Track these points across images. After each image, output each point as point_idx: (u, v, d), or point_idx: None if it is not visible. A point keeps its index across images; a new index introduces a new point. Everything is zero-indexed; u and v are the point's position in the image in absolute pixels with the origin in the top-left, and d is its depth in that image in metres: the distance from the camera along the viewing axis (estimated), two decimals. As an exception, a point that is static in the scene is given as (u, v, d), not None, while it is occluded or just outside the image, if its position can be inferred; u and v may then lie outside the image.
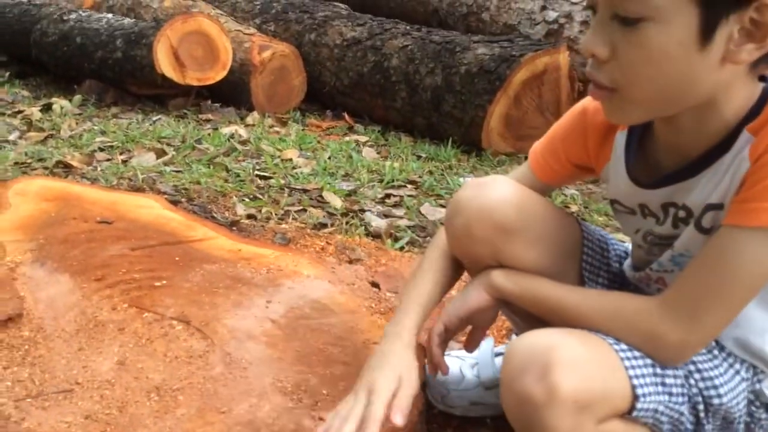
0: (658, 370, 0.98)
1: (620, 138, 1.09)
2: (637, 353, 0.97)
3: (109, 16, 4.04)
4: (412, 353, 1.12)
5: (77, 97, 3.61)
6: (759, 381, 1.07)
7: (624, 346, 0.97)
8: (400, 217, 2.30)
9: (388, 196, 2.52)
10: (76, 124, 3.22)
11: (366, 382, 1.07)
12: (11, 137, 2.97)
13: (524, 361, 0.92)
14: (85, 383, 1.23)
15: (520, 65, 3.08)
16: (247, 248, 1.72)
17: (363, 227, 2.11)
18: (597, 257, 1.23)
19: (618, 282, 1.23)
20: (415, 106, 3.42)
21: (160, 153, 2.74)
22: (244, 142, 3.02)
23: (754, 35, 0.84)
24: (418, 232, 2.19)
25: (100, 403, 1.19)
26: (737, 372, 1.05)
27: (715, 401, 1.02)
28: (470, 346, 1.26)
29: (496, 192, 1.14)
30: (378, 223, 2.18)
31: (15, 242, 1.69)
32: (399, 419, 1.03)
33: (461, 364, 1.41)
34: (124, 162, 2.64)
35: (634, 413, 0.95)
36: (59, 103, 3.51)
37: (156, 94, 3.68)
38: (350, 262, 1.76)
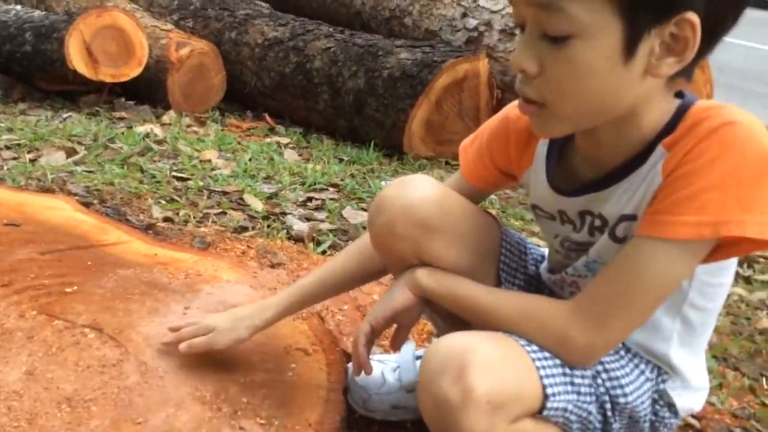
0: (567, 371, 1.00)
1: (542, 146, 1.12)
2: (547, 354, 0.99)
3: (18, 7, 3.86)
4: (251, 327, 1.26)
5: (-18, 92, 3.43)
6: (663, 381, 1.11)
7: (536, 348, 0.99)
8: (322, 221, 2.29)
9: (309, 199, 2.50)
10: (-20, 120, 3.06)
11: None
12: None
13: (441, 363, 0.93)
14: (-10, 395, 1.17)
15: (441, 71, 3.12)
16: (163, 252, 1.68)
17: (285, 231, 2.08)
18: (515, 259, 1.25)
19: (534, 285, 1.26)
20: (338, 109, 3.41)
21: (71, 152, 2.63)
22: (160, 142, 2.94)
23: (674, 49, 0.87)
24: (340, 235, 2.19)
25: (7, 415, 1.13)
26: (642, 372, 1.09)
27: (621, 400, 1.05)
28: (395, 345, 1.26)
29: (419, 190, 1.15)
30: (300, 226, 2.16)
31: None
32: (183, 346, 1.25)
33: (383, 368, 1.40)
34: (33, 161, 2.52)
35: (545, 412, 0.97)
36: (-38, 97, 3.32)
37: (67, 90, 3.53)
38: (272, 266, 1.74)
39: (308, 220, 2.27)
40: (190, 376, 1.25)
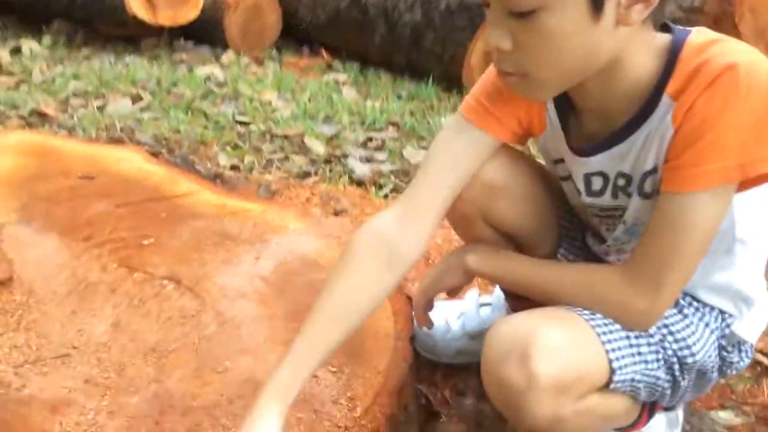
0: (633, 341, 1.01)
1: (551, 112, 1.10)
2: (612, 326, 1.00)
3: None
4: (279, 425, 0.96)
5: (46, 39, 3.51)
6: (728, 325, 1.11)
7: (599, 320, 1.00)
8: (383, 162, 2.31)
9: (369, 139, 2.52)
10: (47, 67, 3.14)
11: None
12: (-20, 83, 2.90)
13: (505, 346, 0.95)
14: (81, 347, 1.26)
15: (500, 0, 3.04)
16: (232, 203, 1.73)
17: (347, 175, 2.11)
18: (575, 221, 1.25)
19: (591, 253, 1.26)
20: (395, 43, 3.38)
21: (136, 98, 2.70)
22: (220, 84, 2.98)
23: None
24: (401, 177, 2.21)
25: (98, 366, 1.21)
26: (707, 325, 1.09)
27: (689, 360, 1.06)
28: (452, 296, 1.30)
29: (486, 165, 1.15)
30: (361, 169, 2.19)
31: (-3, 202, 1.68)
32: None
33: (447, 315, 1.45)
34: (100, 109, 2.60)
35: (612, 385, 0.99)
36: (28, 45, 3.41)
37: (127, 34, 3.58)
38: (336, 213, 1.78)
39: (369, 161, 2.30)
40: (265, 326, 1.31)
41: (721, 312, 1.11)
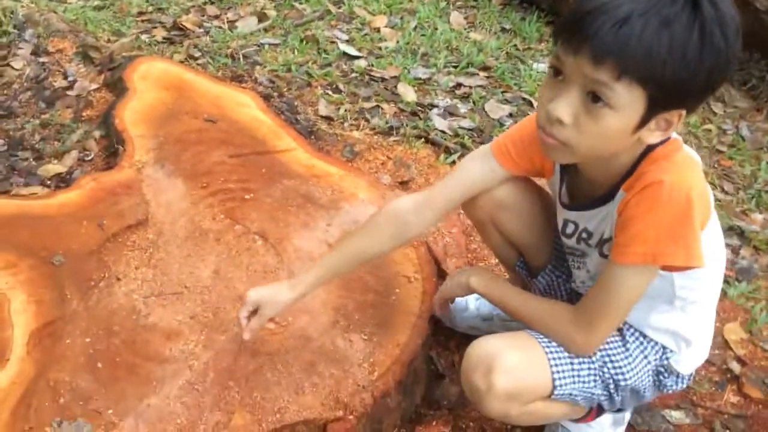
0: (575, 365, 1.37)
1: (557, 167, 1.43)
2: (561, 352, 1.37)
3: None
4: (290, 298, 1.51)
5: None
6: (667, 359, 1.45)
7: (553, 346, 1.37)
8: (464, 116, 2.59)
9: (458, 85, 2.78)
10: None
11: (253, 293, 1.52)
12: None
13: (476, 360, 1.35)
14: (191, 287, 1.73)
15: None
16: (319, 165, 2.11)
17: (425, 133, 2.43)
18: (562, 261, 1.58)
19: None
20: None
21: (262, 17, 3.04)
22: (337, 3, 3.25)
23: (662, 128, 1.17)
24: (474, 136, 2.50)
25: (201, 306, 1.69)
26: (645, 357, 1.43)
27: (622, 383, 1.41)
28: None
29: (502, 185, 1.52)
30: (441, 124, 2.49)
31: (140, 138, 2.14)
32: (246, 335, 1.52)
33: (468, 297, 1.82)
34: (231, 26, 2.97)
35: (553, 396, 1.37)
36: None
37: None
38: (402, 183, 2.13)
39: (451, 115, 2.58)
40: (323, 290, 1.73)
41: (663, 347, 1.44)
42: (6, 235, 1.74)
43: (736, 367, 1.90)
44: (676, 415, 1.76)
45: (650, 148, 1.23)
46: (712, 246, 1.33)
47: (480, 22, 3.31)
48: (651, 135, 1.18)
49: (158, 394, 1.47)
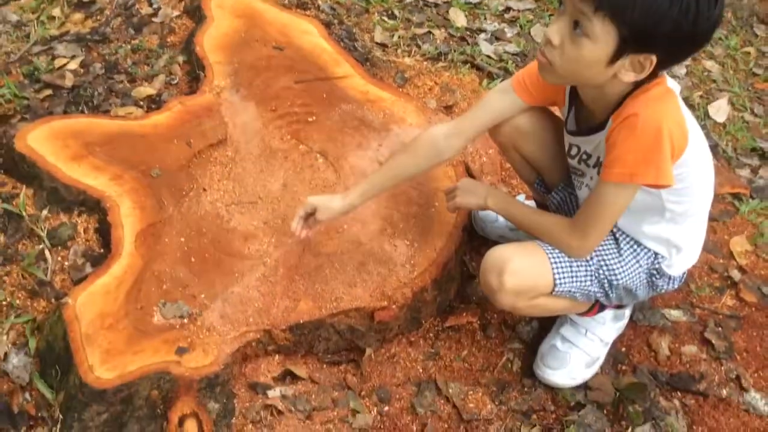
0: (574, 267, 1.66)
1: (567, 98, 1.70)
2: (562, 257, 1.66)
3: None
4: (341, 206, 1.80)
5: None
6: (659, 263, 1.73)
7: (555, 252, 1.66)
8: (509, 41, 2.79)
9: (507, 9, 2.96)
10: None
11: (311, 198, 1.83)
12: None
13: (491, 264, 1.66)
14: (264, 197, 2.07)
15: None
16: (373, 91, 2.39)
17: (471, 59, 2.65)
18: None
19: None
20: None
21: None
22: None
23: (635, 69, 1.42)
24: (518, 60, 2.71)
25: (272, 213, 2.03)
26: (638, 261, 1.71)
27: (614, 282, 1.70)
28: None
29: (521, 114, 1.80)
30: (487, 49, 2.71)
31: (218, 64, 2.44)
32: (300, 232, 1.84)
33: (497, 209, 2.11)
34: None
35: (554, 293, 1.67)
36: None
37: None
38: (446, 107, 2.39)
39: (497, 39, 2.79)
40: (373, 202, 2.04)
41: (655, 254, 1.72)
42: (111, 151, 2.10)
43: (736, 274, 2.15)
44: (675, 314, 2.04)
45: (637, 85, 1.47)
46: (697, 165, 1.58)
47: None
48: (626, 74, 1.42)
49: (239, 283, 1.84)
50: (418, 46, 2.69)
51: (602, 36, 1.36)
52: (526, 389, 1.85)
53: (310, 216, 1.84)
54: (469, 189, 1.87)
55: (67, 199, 1.99)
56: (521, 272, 1.64)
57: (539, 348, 1.91)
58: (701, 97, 2.75)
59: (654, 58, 1.38)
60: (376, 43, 2.68)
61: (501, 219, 2.11)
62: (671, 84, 1.52)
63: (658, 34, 1.33)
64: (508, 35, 2.82)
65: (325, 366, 1.86)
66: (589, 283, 1.69)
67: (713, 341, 1.96)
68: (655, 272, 1.73)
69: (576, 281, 1.68)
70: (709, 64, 2.90)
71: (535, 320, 1.99)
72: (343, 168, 2.16)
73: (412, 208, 2.07)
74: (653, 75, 1.45)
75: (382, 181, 1.84)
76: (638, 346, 1.97)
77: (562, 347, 1.87)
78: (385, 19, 2.81)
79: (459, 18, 2.85)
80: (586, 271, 1.68)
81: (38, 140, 2.07)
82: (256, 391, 1.76)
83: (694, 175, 1.58)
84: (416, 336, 1.96)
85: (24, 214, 1.99)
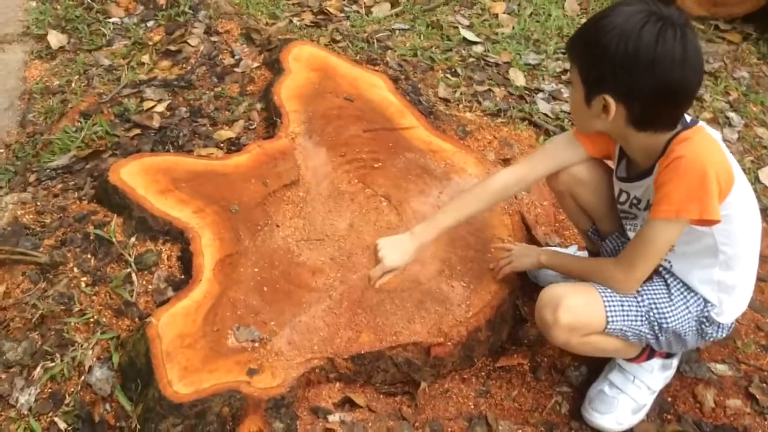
0: (625, 306, 1.76)
1: (616, 149, 1.85)
2: (614, 297, 1.76)
3: None
4: (413, 248, 1.85)
5: None
6: (708, 311, 1.81)
7: (607, 292, 1.76)
8: (565, 101, 2.94)
9: (565, 71, 3.11)
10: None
11: (382, 243, 1.88)
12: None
13: (547, 300, 1.77)
14: (331, 235, 2.23)
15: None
16: (436, 142, 2.55)
17: (529, 116, 2.80)
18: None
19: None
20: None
21: (394, 2, 3.46)
22: (462, -12, 3.62)
23: (605, 110, 1.61)
24: (573, 119, 2.84)
25: (338, 251, 2.19)
26: (687, 307, 1.80)
27: (665, 325, 1.79)
28: None
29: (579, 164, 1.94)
30: (544, 107, 2.86)
31: (294, 112, 2.64)
32: (377, 286, 1.89)
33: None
34: (367, 11, 3.41)
35: (606, 331, 1.77)
36: None
37: None
38: (504, 160, 2.53)
39: (554, 99, 2.94)
40: (433, 245, 2.17)
41: (705, 300, 1.80)
42: (195, 187, 2.29)
43: (784, 334, 2.21)
44: (720, 368, 2.10)
45: (677, 133, 1.62)
46: (744, 207, 1.70)
47: (593, 9, 3.59)
48: (598, 119, 1.63)
49: (306, 313, 1.98)
50: (479, 102, 2.85)
51: (575, 80, 1.63)
52: None
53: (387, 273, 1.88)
54: (522, 253, 2.04)
55: (153, 228, 2.18)
56: (575, 308, 1.74)
57: (588, 392, 1.99)
58: (752, 162, 2.83)
59: (609, 99, 1.57)
60: (440, 98, 2.86)
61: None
62: (710, 131, 1.66)
63: (604, 76, 1.55)
64: (565, 95, 2.96)
65: (381, 396, 1.98)
66: (639, 323, 1.78)
67: (758, 396, 2.01)
68: (704, 320, 1.81)
69: (627, 320, 1.77)
70: (760, 130, 2.99)
71: (584, 365, 2.08)
72: (405, 212, 2.30)
73: (469, 252, 2.20)
74: (669, 124, 1.62)
75: (445, 219, 1.89)
76: (684, 396, 2.03)
77: (610, 392, 1.95)
78: (449, 76, 3.00)
79: (518, 78, 3.02)
80: (638, 311, 1.78)
81: (130, 174, 2.28)
82: (317, 414, 1.88)
83: (742, 217, 1.69)
84: (469, 374, 2.06)
85: (114, 240, 2.18)
